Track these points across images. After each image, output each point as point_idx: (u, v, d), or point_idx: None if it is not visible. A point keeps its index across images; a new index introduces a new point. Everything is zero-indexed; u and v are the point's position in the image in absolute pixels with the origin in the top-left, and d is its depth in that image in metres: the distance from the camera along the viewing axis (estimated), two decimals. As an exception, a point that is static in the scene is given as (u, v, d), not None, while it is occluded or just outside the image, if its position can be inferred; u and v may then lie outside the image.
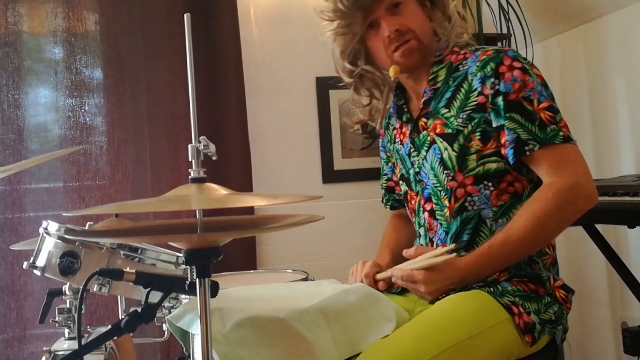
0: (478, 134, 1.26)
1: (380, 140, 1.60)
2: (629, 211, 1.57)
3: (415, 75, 1.38)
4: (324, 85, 2.65)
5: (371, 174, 2.57)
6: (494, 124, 1.25)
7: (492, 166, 1.26)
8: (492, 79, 1.24)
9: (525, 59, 1.28)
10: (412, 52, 1.33)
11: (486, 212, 1.27)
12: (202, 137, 0.96)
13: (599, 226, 1.96)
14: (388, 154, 1.56)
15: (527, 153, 1.21)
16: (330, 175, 2.70)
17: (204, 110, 2.46)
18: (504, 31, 2.48)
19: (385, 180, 1.61)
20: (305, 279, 1.63)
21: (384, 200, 1.62)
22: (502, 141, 1.24)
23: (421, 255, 1.22)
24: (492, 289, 1.19)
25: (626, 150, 2.13)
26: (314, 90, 2.69)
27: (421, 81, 1.39)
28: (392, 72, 1.36)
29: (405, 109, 1.44)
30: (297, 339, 1.03)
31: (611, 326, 2.26)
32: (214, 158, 0.98)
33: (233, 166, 2.51)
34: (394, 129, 1.48)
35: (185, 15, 0.97)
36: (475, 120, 1.26)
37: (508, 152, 1.23)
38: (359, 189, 2.68)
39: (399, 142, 1.45)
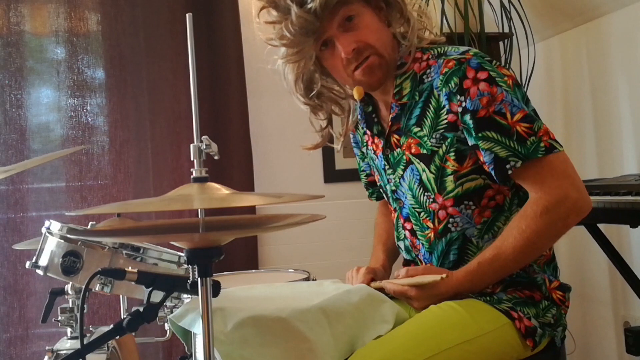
0: (452, 153, 1.20)
1: (352, 136, 1.50)
2: (631, 210, 1.57)
3: (382, 87, 1.29)
4: (326, 85, 2.65)
5: (373, 174, 2.57)
6: (469, 143, 1.18)
7: (471, 185, 1.21)
8: (458, 96, 1.16)
9: (491, 62, 1.18)
10: (373, 69, 1.23)
11: (470, 231, 1.23)
12: (204, 137, 0.96)
13: (601, 225, 1.95)
14: (362, 150, 1.48)
15: (510, 171, 1.14)
16: (332, 174, 2.70)
17: (206, 109, 2.47)
18: (506, 30, 2.48)
19: (365, 176, 1.57)
20: (307, 279, 1.63)
21: (369, 194, 1.59)
22: (481, 159, 1.17)
23: (413, 278, 1.21)
24: (487, 298, 1.18)
25: (628, 150, 2.13)
26: (316, 89, 2.68)
27: (388, 91, 1.30)
28: (356, 94, 1.28)
29: (375, 119, 1.35)
30: (298, 339, 1.03)
31: (613, 326, 2.26)
32: (216, 157, 0.98)
33: (235, 166, 2.51)
34: (364, 132, 1.41)
35: (187, 15, 0.98)
36: (449, 140, 1.20)
37: (491, 172, 1.17)
38: (361, 189, 2.63)
39: (372, 151, 1.38)
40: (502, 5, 2.44)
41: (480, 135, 1.15)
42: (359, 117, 1.40)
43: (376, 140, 1.36)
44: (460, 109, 1.17)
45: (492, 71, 1.16)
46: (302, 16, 1.18)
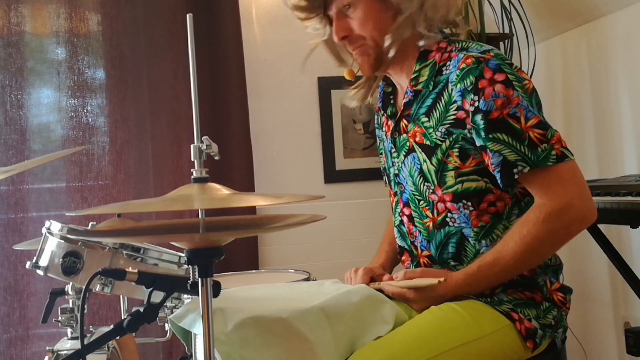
0: (456, 150, 1.19)
1: (376, 115, 1.47)
2: (632, 211, 1.57)
3: (397, 68, 1.30)
4: (326, 85, 2.65)
5: (373, 174, 2.56)
6: (477, 143, 1.17)
7: (472, 185, 1.19)
8: (472, 95, 1.15)
9: (510, 65, 1.17)
10: (364, 54, 1.28)
11: (467, 232, 1.22)
12: (204, 137, 0.96)
13: (601, 226, 1.95)
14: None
15: (516, 176, 1.13)
16: (332, 175, 2.70)
17: (206, 110, 2.46)
18: (506, 31, 2.48)
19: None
20: (307, 279, 1.63)
21: (385, 182, 1.59)
22: (487, 162, 1.16)
23: (411, 281, 1.21)
24: (488, 299, 1.18)
25: (629, 150, 2.13)
26: (316, 90, 2.69)
27: (402, 75, 1.30)
28: (346, 75, 1.33)
29: (392, 101, 1.36)
30: (299, 339, 1.03)
31: (614, 326, 2.26)
32: (216, 158, 0.98)
33: (235, 166, 2.51)
34: (383, 114, 1.40)
35: (187, 15, 0.98)
36: (454, 136, 1.19)
37: (496, 175, 1.15)
38: (361, 189, 2.68)
39: (384, 132, 1.38)
40: (502, 5, 2.44)
41: (490, 136, 1.14)
42: (379, 95, 1.41)
43: (389, 122, 1.36)
44: (472, 108, 1.15)
45: (510, 74, 1.15)
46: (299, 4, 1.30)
